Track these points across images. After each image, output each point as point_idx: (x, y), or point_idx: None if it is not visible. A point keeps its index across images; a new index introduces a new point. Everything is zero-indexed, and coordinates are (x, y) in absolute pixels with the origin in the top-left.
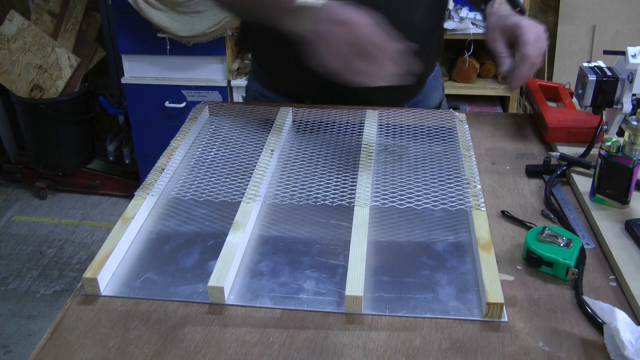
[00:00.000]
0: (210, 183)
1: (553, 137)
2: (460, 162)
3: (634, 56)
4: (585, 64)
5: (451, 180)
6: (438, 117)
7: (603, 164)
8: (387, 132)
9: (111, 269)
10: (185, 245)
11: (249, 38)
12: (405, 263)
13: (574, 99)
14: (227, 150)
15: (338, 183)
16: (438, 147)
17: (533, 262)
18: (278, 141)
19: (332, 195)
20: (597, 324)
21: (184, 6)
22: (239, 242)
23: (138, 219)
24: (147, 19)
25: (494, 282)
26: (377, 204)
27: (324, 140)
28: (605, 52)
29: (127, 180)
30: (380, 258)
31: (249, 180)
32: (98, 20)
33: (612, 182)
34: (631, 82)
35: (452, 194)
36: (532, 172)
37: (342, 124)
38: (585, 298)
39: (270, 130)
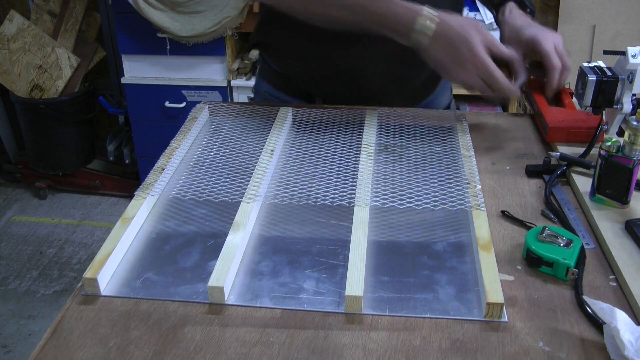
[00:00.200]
0: (210, 183)
1: (553, 137)
2: (460, 162)
3: (634, 56)
4: (585, 64)
5: (451, 180)
6: (438, 117)
7: (603, 164)
8: (387, 132)
9: (111, 269)
10: (185, 245)
11: (267, 37)
12: (405, 263)
13: (574, 99)
14: (227, 150)
15: (338, 183)
16: (438, 147)
17: (533, 262)
18: (278, 141)
19: (332, 195)
20: (597, 324)
21: (184, 6)
22: (239, 242)
23: (138, 219)
24: (147, 19)
25: (494, 282)
26: (377, 204)
27: (324, 140)
28: (605, 52)
29: (127, 180)
30: (380, 258)
31: (249, 180)
32: (98, 20)
33: (612, 182)
34: (631, 82)
35: (452, 194)
36: (532, 172)
37: (342, 124)
38: (585, 298)
39: (270, 130)
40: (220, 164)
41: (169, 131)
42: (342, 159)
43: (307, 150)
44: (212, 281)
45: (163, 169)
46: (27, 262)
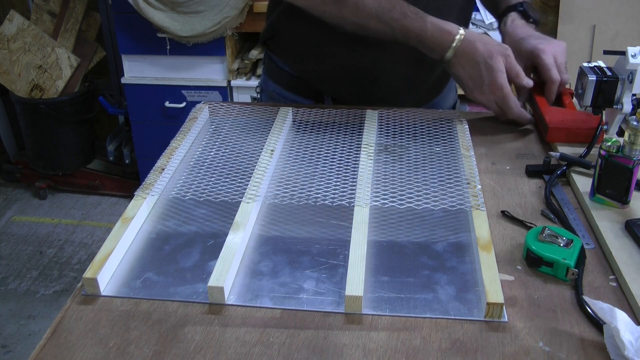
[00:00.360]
0: (210, 183)
1: (553, 137)
2: (460, 162)
3: (634, 56)
4: (585, 64)
5: (451, 180)
6: (438, 117)
7: (603, 164)
8: (387, 132)
9: (111, 269)
10: (185, 245)
11: (281, 34)
12: (405, 263)
13: (574, 99)
14: (227, 150)
15: (338, 183)
16: (438, 147)
17: (533, 262)
18: (278, 141)
19: (332, 195)
20: (597, 324)
21: (184, 6)
22: (239, 242)
23: (138, 219)
24: (147, 19)
25: (494, 282)
26: (377, 204)
27: (324, 140)
28: (605, 52)
29: (127, 180)
30: (380, 258)
31: (249, 180)
32: (98, 20)
33: (612, 182)
34: (631, 82)
35: (452, 194)
36: (532, 172)
37: (342, 124)
38: (585, 298)
39: (270, 130)
40: (220, 164)
41: (169, 131)
42: (342, 159)
43: (307, 150)
44: (212, 281)
45: (163, 169)
46: (27, 262)
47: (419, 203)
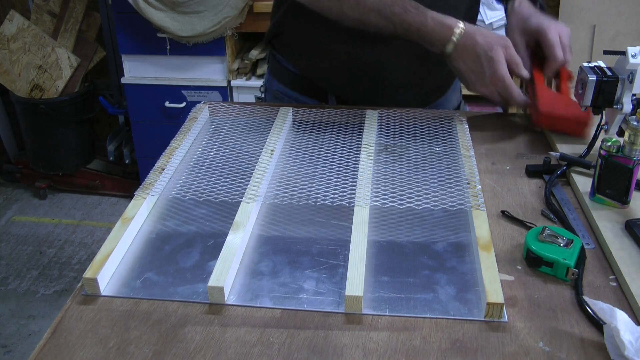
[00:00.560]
0: (210, 183)
1: (541, 121)
2: (460, 162)
3: (634, 56)
4: (585, 64)
5: (451, 180)
6: (438, 117)
7: (603, 164)
8: (387, 132)
9: (111, 269)
10: (185, 245)
11: (286, 32)
12: (405, 263)
13: (571, 86)
14: (227, 150)
15: (338, 183)
16: (438, 147)
17: (533, 262)
18: (278, 141)
19: (332, 195)
20: (597, 324)
21: (184, 6)
22: (239, 242)
23: (138, 219)
24: (147, 19)
25: (494, 282)
26: (377, 204)
27: (324, 140)
28: (605, 52)
29: (127, 180)
30: (380, 258)
31: (249, 180)
32: (98, 20)
33: (612, 182)
34: (631, 82)
35: (452, 194)
36: (532, 172)
37: (342, 124)
38: (585, 298)
39: (270, 130)
40: (220, 164)
41: (169, 131)
42: (342, 159)
43: (307, 150)
44: (212, 281)
45: (163, 169)
46: (27, 262)
47: (419, 203)
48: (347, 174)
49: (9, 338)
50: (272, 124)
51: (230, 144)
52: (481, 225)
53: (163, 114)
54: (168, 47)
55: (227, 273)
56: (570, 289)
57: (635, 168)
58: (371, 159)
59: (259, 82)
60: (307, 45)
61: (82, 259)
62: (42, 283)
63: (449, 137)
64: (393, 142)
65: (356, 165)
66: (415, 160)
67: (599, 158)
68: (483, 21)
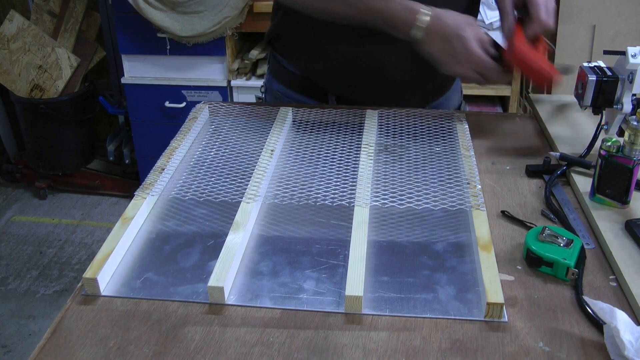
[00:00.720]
0: (210, 183)
1: (512, 60)
2: (460, 162)
3: (634, 56)
4: (585, 64)
5: (451, 180)
6: (438, 117)
7: (603, 164)
8: (387, 132)
9: (111, 269)
10: (185, 245)
11: (286, 33)
12: (405, 263)
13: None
14: (227, 150)
15: (338, 183)
16: (438, 147)
17: (533, 262)
18: (278, 141)
19: (332, 195)
20: (597, 324)
21: (184, 6)
22: (239, 242)
23: (138, 219)
24: (147, 19)
25: (494, 282)
26: (377, 204)
27: (324, 140)
28: (605, 52)
29: (127, 180)
30: (380, 258)
31: (249, 180)
32: (98, 20)
33: (612, 182)
34: (631, 82)
35: (452, 194)
36: (532, 172)
37: (342, 124)
38: (585, 298)
39: (270, 130)
40: (220, 164)
41: (169, 131)
42: (342, 159)
43: (307, 150)
44: (212, 281)
45: (163, 169)
46: (27, 262)
47: (419, 203)
48: (347, 174)
49: (9, 338)
50: (272, 124)
51: (230, 144)
52: (481, 225)
53: (163, 114)
54: (168, 47)
55: (227, 273)
56: (570, 289)
57: (635, 168)
58: (371, 159)
59: (259, 82)
60: (307, 46)
61: (82, 259)
62: (42, 283)
63: (449, 137)
64: (393, 142)
65: (356, 165)
66: (415, 160)
67: (599, 158)
68: (483, 21)
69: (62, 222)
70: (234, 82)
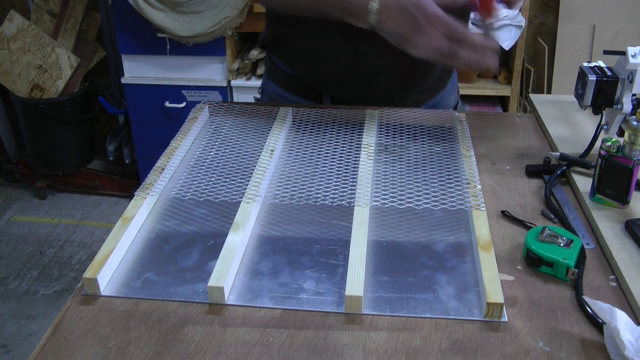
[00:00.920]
0: (210, 183)
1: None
2: (460, 162)
3: (634, 56)
4: (585, 64)
5: (451, 180)
6: (438, 117)
7: (603, 164)
8: (387, 132)
9: (111, 269)
10: (185, 245)
11: (280, 36)
12: (405, 263)
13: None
14: (227, 150)
15: (338, 183)
16: (438, 147)
17: (533, 262)
18: (278, 141)
19: (332, 195)
20: (597, 324)
21: (184, 6)
22: (239, 242)
23: (138, 219)
24: (147, 19)
25: (494, 282)
26: (377, 204)
27: (324, 140)
28: (605, 52)
29: (127, 180)
30: (380, 258)
31: (249, 180)
32: (98, 20)
33: (612, 182)
34: (631, 82)
35: (452, 194)
36: (532, 172)
37: (342, 124)
38: (585, 298)
39: (270, 130)
40: (220, 164)
41: (169, 131)
42: (342, 159)
43: (307, 150)
44: (212, 281)
45: (163, 169)
46: (27, 262)
47: (419, 203)
48: (347, 174)
49: (9, 338)
50: (272, 124)
51: (230, 144)
52: (481, 225)
53: (163, 114)
54: (168, 47)
55: (227, 273)
56: (570, 289)
57: (635, 168)
58: (371, 159)
59: (259, 82)
60: (301, 50)
61: (82, 259)
62: (42, 283)
63: (449, 137)
64: (393, 142)
65: (356, 165)
66: (415, 160)
67: (599, 158)
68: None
69: (62, 222)
70: (234, 82)
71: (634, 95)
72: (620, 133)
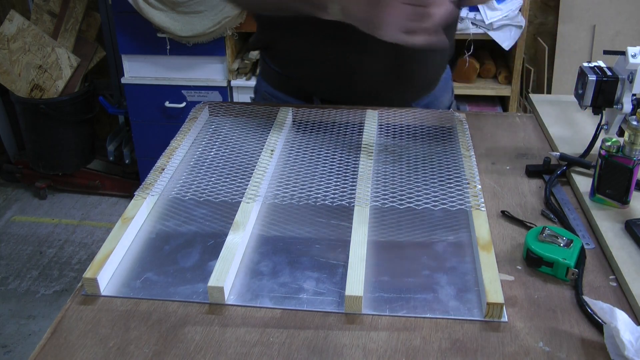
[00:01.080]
0: (210, 183)
1: None
2: (460, 162)
3: (634, 56)
4: (585, 64)
5: (451, 180)
6: (438, 117)
7: (603, 164)
8: (387, 132)
9: (111, 269)
10: (185, 245)
11: (269, 34)
12: (405, 263)
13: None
14: (227, 150)
15: (338, 183)
16: (438, 147)
17: (533, 262)
18: (278, 141)
19: (332, 195)
20: (597, 324)
21: (184, 6)
22: (239, 242)
23: (138, 219)
24: (147, 19)
25: (494, 282)
26: (377, 204)
27: (324, 140)
28: (605, 52)
29: (127, 180)
30: (380, 258)
31: (249, 180)
32: (98, 20)
33: (612, 182)
34: (631, 82)
35: (452, 194)
36: (532, 172)
37: (342, 124)
38: (585, 298)
39: (270, 130)
40: (220, 164)
41: (169, 131)
42: (342, 159)
43: (307, 150)
44: (212, 281)
45: (163, 169)
46: (27, 262)
47: (419, 203)
48: (347, 174)
49: (9, 338)
50: (272, 124)
51: (230, 144)
52: (481, 225)
53: (163, 114)
54: (168, 47)
55: (227, 273)
56: (570, 289)
57: (635, 168)
58: (371, 159)
59: None
60: (288, 52)
61: (82, 259)
62: (42, 283)
63: (449, 137)
64: (393, 142)
65: (356, 165)
66: (415, 160)
67: (599, 158)
68: (483, 21)
69: (62, 222)
70: (234, 82)
71: (634, 95)
72: (620, 133)
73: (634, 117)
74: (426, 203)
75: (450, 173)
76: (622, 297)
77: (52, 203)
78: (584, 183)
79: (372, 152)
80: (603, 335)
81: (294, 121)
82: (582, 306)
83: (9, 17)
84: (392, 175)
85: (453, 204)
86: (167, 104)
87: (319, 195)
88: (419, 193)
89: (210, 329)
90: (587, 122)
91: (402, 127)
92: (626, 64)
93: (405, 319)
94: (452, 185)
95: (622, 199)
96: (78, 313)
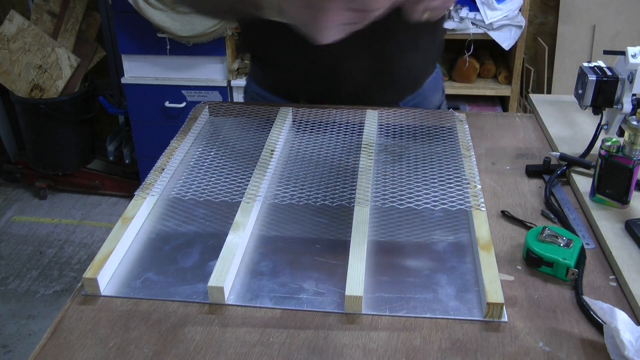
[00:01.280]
0: (210, 183)
1: None
2: (460, 162)
3: (634, 56)
4: (585, 64)
5: (451, 180)
6: (438, 117)
7: (603, 164)
8: (387, 132)
9: (111, 269)
10: (185, 245)
11: (250, 39)
12: (405, 263)
13: None
14: (227, 150)
15: (338, 183)
16: (438, 147)
17: (533, 262)
18: (278, 141)
19: (332, 195)
20: (597, 324)
21: None
22: (239, 242)
23: (138, 219)
24: (147, 19)
25: (494, 282)
26: (377, 204)
27: (324, 140)
28: (605, 52)
29: (127, 180)
30: (380, 258)
31: (249, 180)
32: (98, 20)
33: (612, 182)
34: (631, 82)
35: (452, 194)
36: (532, 172)
37: (342, 124)
38: (585, 298)
39: (270, 130)
40: (220, 164)
41: (169, 131)
42: (342, 159)
43: (307, 150)
44: (212, 281)
45: (163, 169)
46: (27, 262)
47: (419, 203)
48: (347, 174)
49: (9, 338)
50: (272, 124)
51: (230, 144)
52: (481, 225)
53: (163, 114)
54: (168, 47)
55: (227, 273)
56: (570, 289)
57: (635, 168)
58: (371, 159)
59: None
60: (270, 56)
61: (82, 259)
62: (42, 283)
63: (449, 137)
64: (393, 142)
65: (356, 165)
66: (415, 160)
67: (599, 158)
68: (483, 21)
69: (62, 222)
70: (234, 82)
71: (634, 95)
72: (620, 133)
73: (634, 117)
74: (426, 203)
75: (450, 173)
76: (622, 297)
77: (52, 203)
78: (584, 183)
79: (372, 152)
80: (603, 335)
81: (294, 121)
82: (582, 306)
83: (9, 17)
84: (392, 175)
85: (453, 204)
86: (167, 104)
87: (319, 195)
88: (419, 193)
89: (210, 329)
90: (587, 122)
91: (402, 127)
92: (626, 64)
93: (405, 319)
94: (452, 185)
95: (622, 199)
96: (78, 313)
